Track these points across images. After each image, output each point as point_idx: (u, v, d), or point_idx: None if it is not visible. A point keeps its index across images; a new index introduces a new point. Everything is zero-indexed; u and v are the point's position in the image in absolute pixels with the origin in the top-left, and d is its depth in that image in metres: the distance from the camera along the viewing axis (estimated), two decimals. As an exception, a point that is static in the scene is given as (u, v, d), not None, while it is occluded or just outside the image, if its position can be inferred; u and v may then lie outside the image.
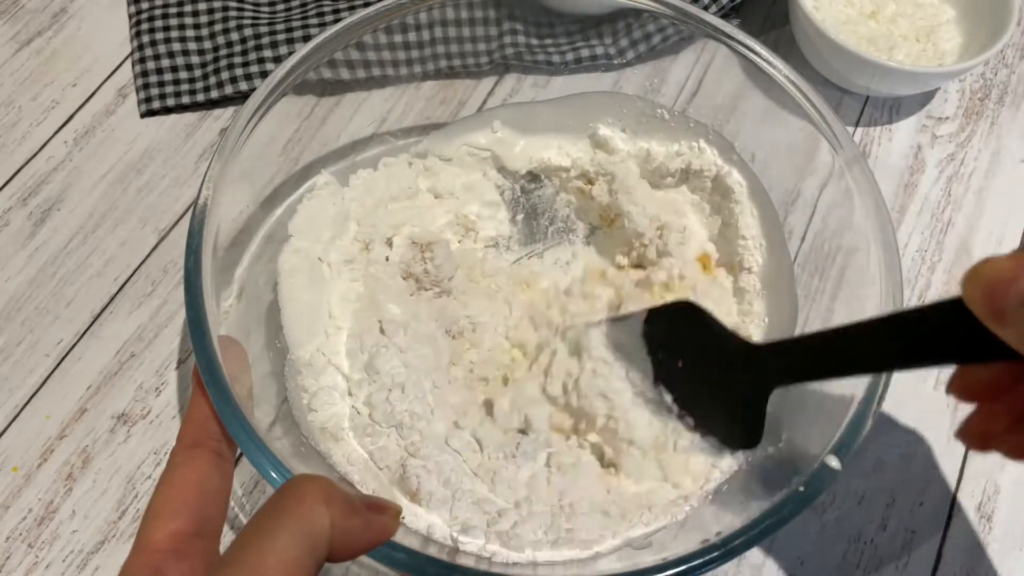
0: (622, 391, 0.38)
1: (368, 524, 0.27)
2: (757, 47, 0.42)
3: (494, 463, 0.39)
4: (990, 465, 0.44)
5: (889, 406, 0.45)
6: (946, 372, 0.46)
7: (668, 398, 0.38)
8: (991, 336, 0.23)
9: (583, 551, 0.37)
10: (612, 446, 0.39)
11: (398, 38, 0.46)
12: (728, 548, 0.31)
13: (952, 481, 0.44)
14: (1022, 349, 0.22)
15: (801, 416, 0.38)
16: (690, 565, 0.31)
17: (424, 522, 0.37)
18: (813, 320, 0.41)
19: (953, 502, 0.43)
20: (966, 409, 0.45)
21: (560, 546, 0.37)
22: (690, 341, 0.37)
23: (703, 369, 0.37)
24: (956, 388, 0.28)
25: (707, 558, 0.31)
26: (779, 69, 0.42)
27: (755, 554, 0.42)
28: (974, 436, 0.28)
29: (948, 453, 0.44)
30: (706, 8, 0.54)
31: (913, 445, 0.45)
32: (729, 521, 0.33)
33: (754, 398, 0.35)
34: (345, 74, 0.46)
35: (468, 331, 0.44)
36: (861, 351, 0.30)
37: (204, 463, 0.30)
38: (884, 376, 0.34)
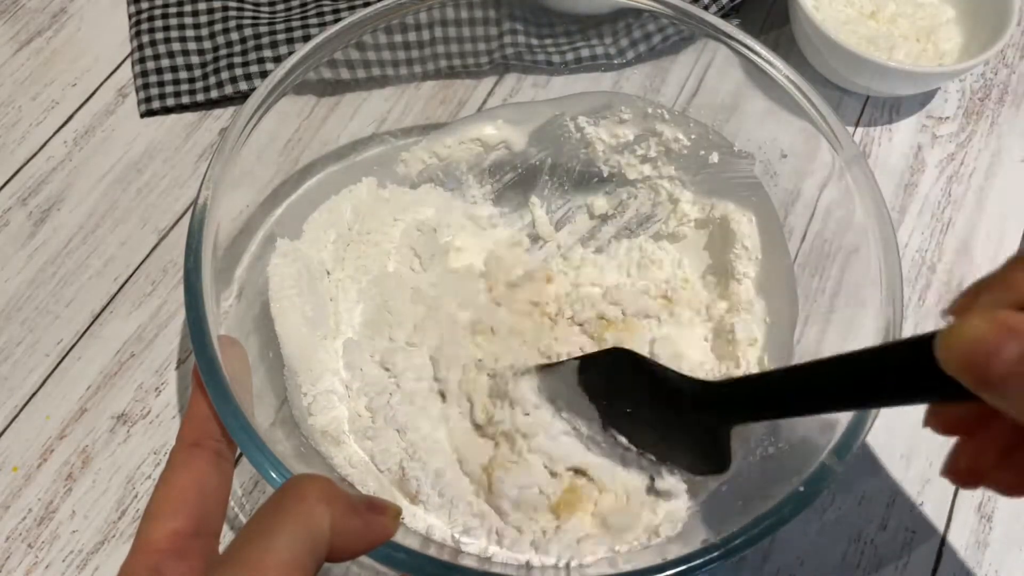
0: (569, 445, 0.37)
1: (368, 524, 0.27)
2: (757, 47, 0.42)
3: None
4: (990, 465, 0.44)
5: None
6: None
7: (623, 440, 0.37)
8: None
9: (585, 552, 0.37)
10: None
11: (398, 38, 0.46)
12: (728, 548, 0.31)
13: (952, 481, 0.44)
14: (1022, 419, 0.21)
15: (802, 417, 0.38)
16: (690, 565, 0.31)
17: (424, 523, 0.37)
18: (813, 320, 0.41)
19: (953, 502, 0.43)
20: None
21: (563, 547, 0.37)
22: (633, 386, 0.36)
23: (654, 411, 0.36)
24: (933, 422, 0.27)
25: (707, 558, 0.31)
26: (779, 69, 0.42)
27: (755, 554, 0.42)
28: (962, 473, 0.27)
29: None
30: (706, 8, 0.54)
31: (913, 445, 0.45)
32: (729, 521, 0.33)
33: (716, 432, 0.34)
34: (345, 74, 0.46)
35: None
36: (821, 390, 0.29)
37: (204, 463, 0.29)
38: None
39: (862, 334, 0.36)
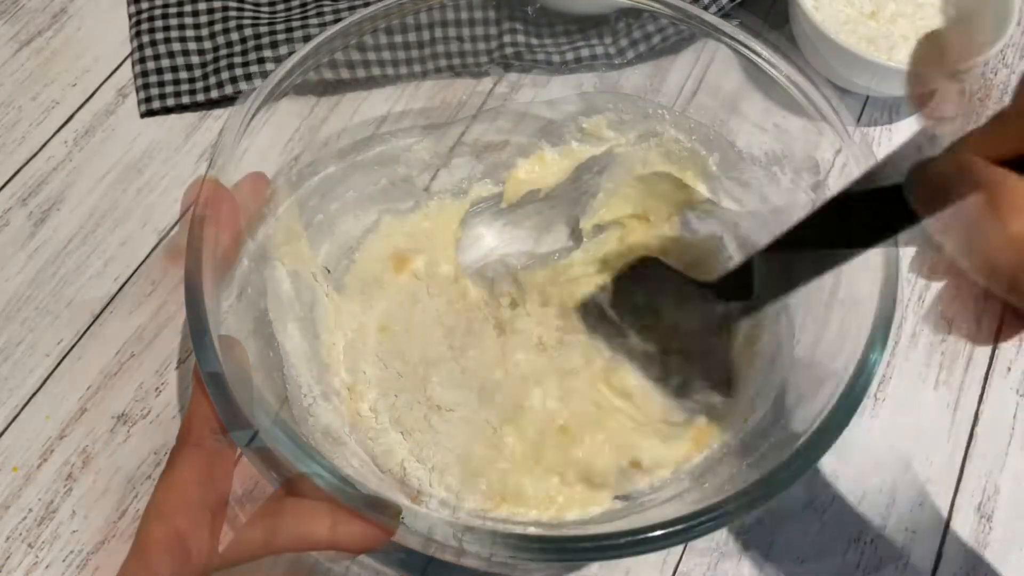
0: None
1: (368, 524, 0.27)
2: (757, 47, 0.42)
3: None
4: (990, 465, 0.44)
5: (889, 406, 0.45)
6: (942, 375, 0.46)
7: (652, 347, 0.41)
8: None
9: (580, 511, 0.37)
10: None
11: (398, 38, 0.46)
12: (721, 513, 0.30)
13: (952, 481, 0.44)
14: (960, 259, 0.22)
15: (798, 414, 0.38)
16: (687, 525, 0.29)
17: (425, 523, 0.37)
18: (811, 320, 0.41)
19: (953, 502, 0.43)
20: (966, 411, 0.45)
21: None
22: (662, 289, 0.41)
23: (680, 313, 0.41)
24: (917, 268, 0.29)
25: (699, 520, 0.29)
26: (779, 69, 0.42)
27: (755, 554, 0.42)
28: (936, 321, 0.29)
29: (948, 453, 0.44)
30: (706, 8, 0.54)
31: (913, 445, 0.45)
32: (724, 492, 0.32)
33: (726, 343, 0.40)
34: (345, 74, 0.46)
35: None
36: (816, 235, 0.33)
37: (204, 463, 0.30)
38: (878, 359, 0.34)
39: (860, 334, 0.36)
